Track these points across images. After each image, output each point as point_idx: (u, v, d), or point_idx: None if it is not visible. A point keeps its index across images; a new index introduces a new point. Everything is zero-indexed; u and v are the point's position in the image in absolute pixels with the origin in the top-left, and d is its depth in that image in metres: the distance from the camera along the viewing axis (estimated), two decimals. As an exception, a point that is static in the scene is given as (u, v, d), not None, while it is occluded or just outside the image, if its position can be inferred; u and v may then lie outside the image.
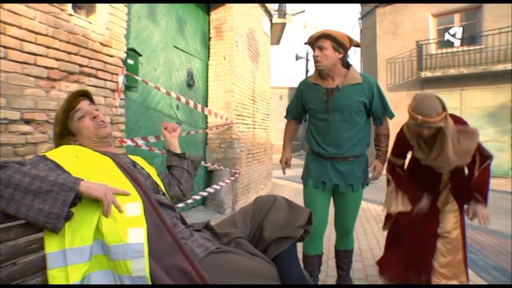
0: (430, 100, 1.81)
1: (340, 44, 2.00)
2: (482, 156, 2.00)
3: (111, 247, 1.03)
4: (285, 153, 2.42)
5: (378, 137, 2.25)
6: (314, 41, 2.05)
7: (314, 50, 2.06)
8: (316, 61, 2.05)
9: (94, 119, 1.35)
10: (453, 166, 1.96)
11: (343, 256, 2.35)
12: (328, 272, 2.71)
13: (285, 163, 2.40)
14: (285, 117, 2.46)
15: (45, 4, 2.07)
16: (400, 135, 2.12)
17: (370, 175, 2.22)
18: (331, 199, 2.25)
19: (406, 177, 2.17)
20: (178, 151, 1.69)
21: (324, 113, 2.09)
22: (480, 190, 1.96)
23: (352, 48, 2.12)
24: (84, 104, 1.36)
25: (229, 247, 1.28)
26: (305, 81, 2.27)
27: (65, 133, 1.33)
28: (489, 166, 2.00)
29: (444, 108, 1.81)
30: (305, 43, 2.14)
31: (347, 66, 2.11)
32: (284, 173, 2.46)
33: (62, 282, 1.00)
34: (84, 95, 1.40)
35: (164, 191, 1.45)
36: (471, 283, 2.57)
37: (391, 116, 2.21)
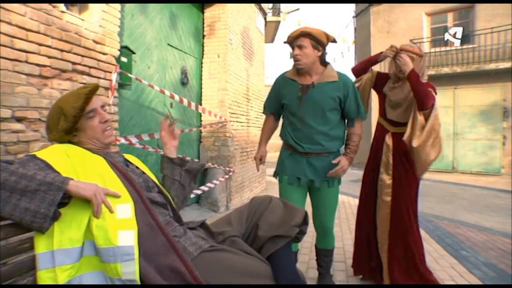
0: (410, 43, 2.32)
1: (319, 42, 2.02)
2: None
3: (102, 249, 1.02)
4: (260, 150, 2.37)
5: (350, 136, 2.23)
6: (293, 40, 2.05)
7: (293, 48, 2.07)
8: (296, 60, 2.05)
9: (104, 123, 1.32)
10: (402, 104, 2.25)
11: (323, 255, 2.36)
12: (308, 274, 2.69)
13: (260, 160, 2.36)
14: (263, 112, 2.42)
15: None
16: (388, 76, 2.42)
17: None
18: (307, 197, 2.26)
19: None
20: (174, 155, 1.57)
21: (297, 109, 2.09)
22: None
23: (346, 46, 2.18)
24: (96, 102, 1.31)
25: (223, 245, 1.28)
26: (282, 75, 2.25)
27: (72, 129, 1.27)
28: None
29: (422, 51, 2.24)
30: (285, 42, 2.13)
31: (325, 63, 2.13)
32: (258, 169, 2.39)
33: (50, 283, 0.99)
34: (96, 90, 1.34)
35: (159, 184, 1.44)
36: (463, 280, 2.61)
37: (364, 118, 2.21)
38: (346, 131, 2.25)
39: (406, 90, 2.21)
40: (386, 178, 2.30)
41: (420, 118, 2.12)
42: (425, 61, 2.25)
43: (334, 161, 2.07)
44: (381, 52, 2.32)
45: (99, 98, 1.36)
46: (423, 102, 2.07)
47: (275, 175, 2.31)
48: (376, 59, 2.37)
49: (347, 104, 2.11)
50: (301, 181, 2.13)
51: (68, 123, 1.23)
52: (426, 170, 2.25)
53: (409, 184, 2.26)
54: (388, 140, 2.31)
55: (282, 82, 2.23)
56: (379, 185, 2.34)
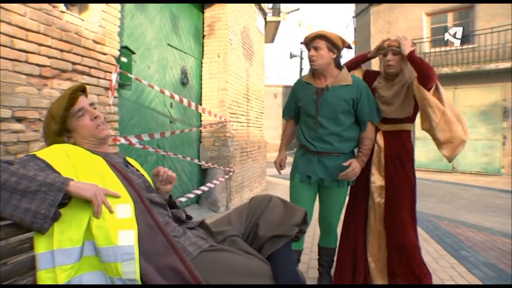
0: (400, 35, 2.16)
1: (334, 45, 2.08)
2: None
3: (102, 249, 1.02)
4: (279, 154, 2.44)
5: (362, 139, 2.21)
6: (309, 41, 2.12)
7: (309, 50, 2.13)
8: (311, 61, 2.11)
9: (95, 119, 1.31)
10: (393, 96, 2.18)
11: (325, 254, 2.39)
12: (308, 274, 2.70)
13: (279, 164, 2.43)
14: (283, 116, 2.50)
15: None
16: (376, 73, 2.37)
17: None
18: (317, 195, 2.29)
19: None
20: (165, 197, 1.48)
21: (313, 111, 2.15)
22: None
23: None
24: (83, 101, 1.31)
25: (223, 245, 1.28)
26: (299, 80, 2.34)
27: (62, 131, 1.28)
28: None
29: (413, 44, 2.09)
30: (301, 43, 2.20)
31: (340, 67, 2.18)
32: (279, 173, 2.49)
33: (49, 283, 0.99)
34: (81, 90, 1.34)
35: None
36: (463, 280, 2.61)
37: (376, 120, 2.20)
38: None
39: (397, 87, 2.17)
40: (378, 180, 2.23)
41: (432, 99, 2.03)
42: (416, 53, 2.12)
43: (345, 164, 2.08)
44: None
45: (87, 97, 1.37)
46: (427, 79, 1.98)
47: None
48: (366, 55, 2.36)
49: (359, 107, 2.13)
50: (311, 179, 2.18)
51: (57, 125, 1.25)
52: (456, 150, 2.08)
53: (403, 184, 2.18)
54: (380, 139, 2.25)
55: (298, 86, 2.31)
56: (371, 187, 2.25)
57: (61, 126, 1.26)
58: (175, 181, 1.50)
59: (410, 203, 2.21)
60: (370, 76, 2.37)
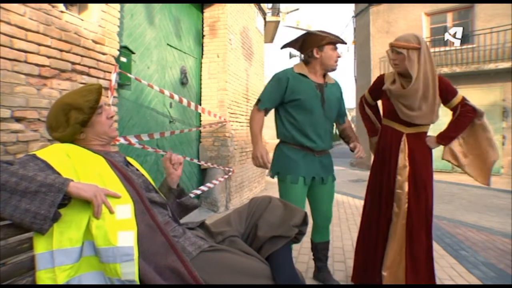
0: (407, 33, 2.12)
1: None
2: (465, 106, 2.16)
3: (101, 249, 1.02)
4: (261, 147, 2.14)
5: (346, 130, 2.42)
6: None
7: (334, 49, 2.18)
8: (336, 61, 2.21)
9: (110, 119, 1.36)
10: (420, 102, 2.04)
11: (323, 248, 2.42)
12: (308, 274, 2.70)
13: (266, 158, 2.11)
14: (258, 105, 2.23)
15: None
16: (379, 77, 2.33)
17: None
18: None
19: (371, 115, 2.47)
20: (175, 185, 1.55)
21: (315, 107, 2.14)
22: (447, 130, 2.21)
23: (346, 46, 2.25)
24: (101, 100, 1.35)
25: (222, 245, 1.28)
26: (291, 72, 2.19)
27: (88, 122, 1.27)
28: (468, 114, 2.15)
29: (418, 43, 2.00)
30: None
31: None
32: (268, 167, 2.17)
33: (49, 283, 0.99)
34: None
35: (156, 188, 1.45)
36: (462, 280, 2.61)
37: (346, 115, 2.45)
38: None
39: (418, 91, 2.01)
40: (405, 186, 2.13)
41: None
42: (425, 53, 2.01)
43: (351, 145, 2.27)
44: None
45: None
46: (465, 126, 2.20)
47: (278, 175, 2.23)
48: None
49: (341, 104, 2.39)
50: (315, 180, 2.22)
51: (84, 115, 1.24)
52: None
53: (424, 187, 2.13)
54: (404, 142, 2.16)
55: (291, 77, 2.16)
56: (397, 193, 2.14)
57: (89, 117, 1.26)
58: (182, 162, 1.58)
59: (430, 206, 2.15)
60: (376, 87, 2.33)
